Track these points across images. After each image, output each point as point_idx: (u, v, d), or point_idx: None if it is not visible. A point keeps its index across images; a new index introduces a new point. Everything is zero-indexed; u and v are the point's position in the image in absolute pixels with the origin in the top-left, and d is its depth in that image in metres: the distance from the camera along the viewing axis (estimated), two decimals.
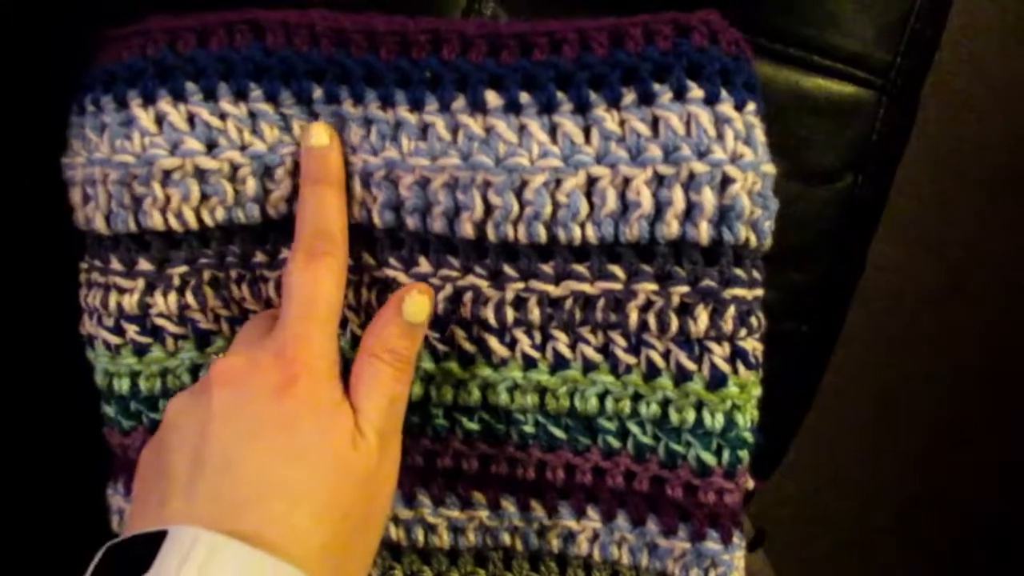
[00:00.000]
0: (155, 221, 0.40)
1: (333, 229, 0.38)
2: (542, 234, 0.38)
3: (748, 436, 0.40)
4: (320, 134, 0.38)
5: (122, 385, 0.42)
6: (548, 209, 0.37)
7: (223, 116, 0.39)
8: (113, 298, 0.41)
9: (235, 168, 0.39)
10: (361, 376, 0.37)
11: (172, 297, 0.41)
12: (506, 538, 0.43)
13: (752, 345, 0.39)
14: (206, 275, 0.41)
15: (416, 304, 0.37)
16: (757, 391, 0.40)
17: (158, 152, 0.39)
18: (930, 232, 0.88)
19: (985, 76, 0.85)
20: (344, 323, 0.41)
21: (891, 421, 0.98)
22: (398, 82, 0.38)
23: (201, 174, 0.39)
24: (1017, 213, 0.88)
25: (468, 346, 0.40)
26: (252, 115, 0.39)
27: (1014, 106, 0.84)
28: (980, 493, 1.00)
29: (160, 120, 0.39)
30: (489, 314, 0.39)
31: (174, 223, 0.40)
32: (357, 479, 0.35)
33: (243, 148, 0.39)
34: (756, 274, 0.39)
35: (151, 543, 0.31)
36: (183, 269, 0.40)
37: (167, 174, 0.39)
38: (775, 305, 0.41)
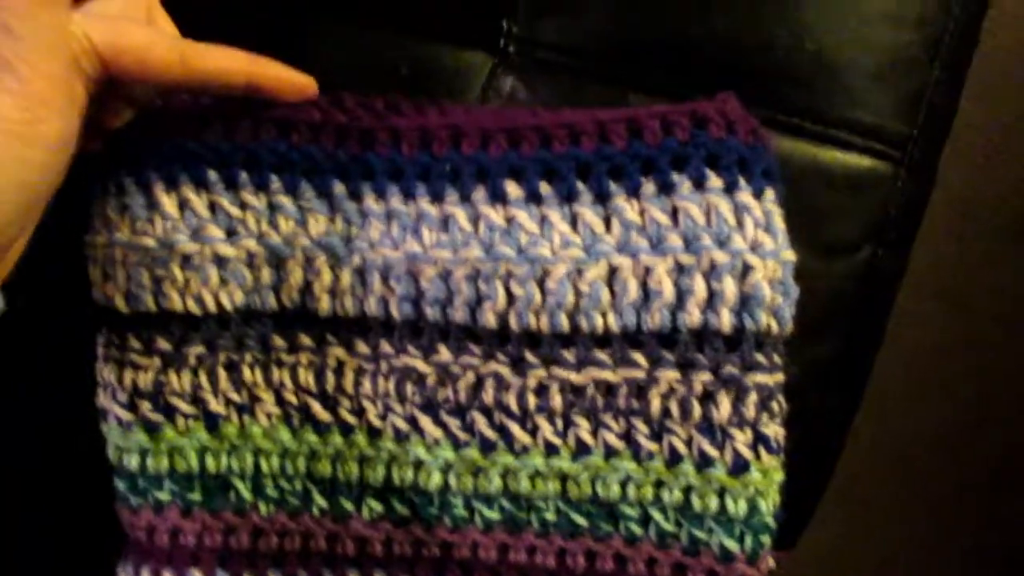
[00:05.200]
0: (174, 303, 0.40)
1: None
2: (564, 323, 0.38)
3: (771, 521, 0.40)
4: None
5: (132, 461, 0.42)
6: (570, 299, 0.38)
7: (243, 206, 0.40)
8: (128, 374, 0.41)
9: (251, 256, 0.40)
10: None
11: (187, 376, 0.41)
12: None
13: (774, 430, 0.39)
14: (222, 357, 0.41)
15: None
16: (779, 476, 0.40)
17: (179, 237, 0.39)
18: (948, 282, 0.88)
19: (1002, 125, 0.85)
20: (361, 413, 0.41)
21: (913, 473, 0.97)
22: (419, 175, 0.38)
23: (220, 260, 0.40)
24: None
25: (490, 433, 0.40)
26: (271, 207, 0.40)
27: None
28: (1009, 541, 0.99)
29: (182, 206, 0.40)
30: (511, 401, 0.39)
31: (193, 306, 0.40)
32: None
33: (259, 237, 0.40)
34: (777, 359, 0.39)
35: None
36: (200, 350, 0.41)
37: (187, 258, 0.40)
38: (796, 379, 0.41)
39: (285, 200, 0.39)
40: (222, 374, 0.41)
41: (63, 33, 0.33)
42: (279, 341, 0.41)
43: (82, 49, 0.34)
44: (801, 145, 0.47)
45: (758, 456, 0.39)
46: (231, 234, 0.40)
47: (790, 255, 0.38)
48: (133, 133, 0.40)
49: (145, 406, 0.41)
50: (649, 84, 0.46)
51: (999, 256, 0.88)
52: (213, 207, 0.40)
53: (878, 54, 0.47)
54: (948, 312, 0.89)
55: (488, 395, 0.39)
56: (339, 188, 0.39)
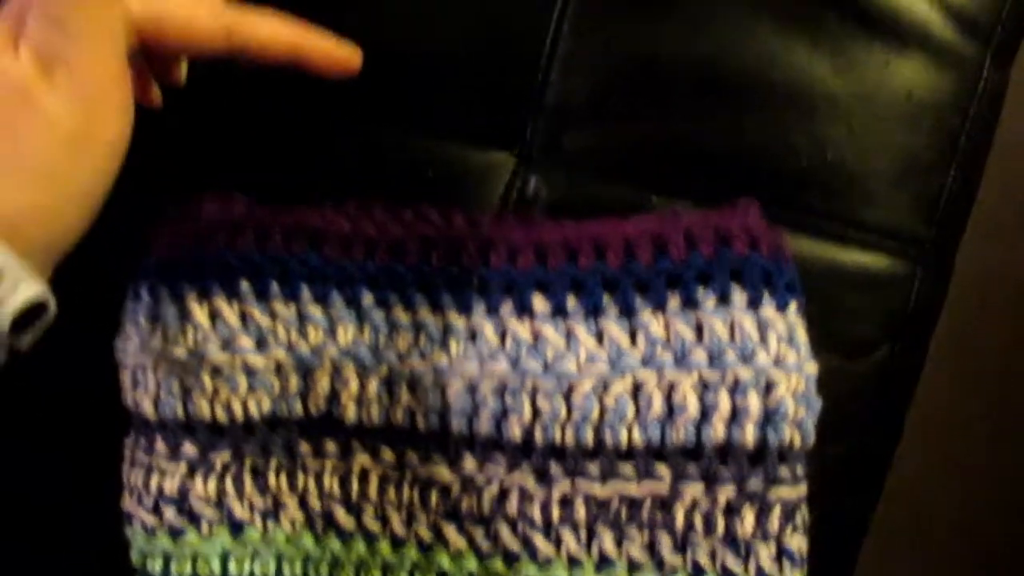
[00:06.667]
0: (202, 411, 0.40)
1: None
2: (589, 437, 0.38)
3: None
4: None
5: (155, 566, 0.42)
6: (595, 413, 0.38)
7: (273, 316, 0.40)
8: (154, 479, 0.41)
9: (280, 365, 0.40)
10: None
11: (212, 482, 0.41)
12: None
13: (798, 543, 0.39)
14: (248, 463, 0.41)
15: None
16: None
17: (210, 347, 0.40)
18: (964, 366, 0.88)
19: (1014, 203, 0.85)
20: (385, 521, 0.41)
21: (932, 559, 0.96)
22: (447, 287, 0.39)
23: (250, 370, 0.40)
24: None
25: (513, 544, 0.40)
26: (301, 316, 0.40)
27: None
28: None
29: (214, 316, 0.40)
30: (535, 512, 0.39)
31: (221, 414, 0.40)
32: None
33: (289, 347, 0.40)
34: (800, 472, 0.39)
35: None
36: (226, 456, 0.41)
37: (217, 368, 0.40)
38: (813, 479, 0.41)
39: (315, 310, 0.40)
40: (247, 479, 0.41)
41: (118, 22, 0.30)
42: (305, 447, 0.41)
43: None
44: (820, 245, 0.48)
45: (781, 570, 0.39)
46: (261, 344, 0.40)
47: (812, 368, 0.39)
48: (167, 243, 0.41)
49: (169, 511, 0.41)
50: (672, 187, 0.46)
51: (1011, 335, 0.88)
52: (244, 317, 0.40)
53: (895, 158, 0.47)
54: (964, 395, 0.89)
55: (512, 506, 0.39)
56: (368, 299, 0.40)
